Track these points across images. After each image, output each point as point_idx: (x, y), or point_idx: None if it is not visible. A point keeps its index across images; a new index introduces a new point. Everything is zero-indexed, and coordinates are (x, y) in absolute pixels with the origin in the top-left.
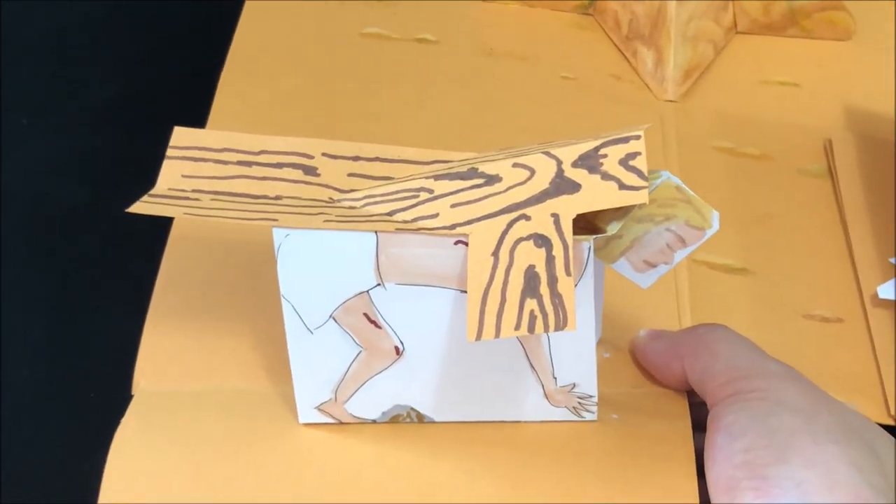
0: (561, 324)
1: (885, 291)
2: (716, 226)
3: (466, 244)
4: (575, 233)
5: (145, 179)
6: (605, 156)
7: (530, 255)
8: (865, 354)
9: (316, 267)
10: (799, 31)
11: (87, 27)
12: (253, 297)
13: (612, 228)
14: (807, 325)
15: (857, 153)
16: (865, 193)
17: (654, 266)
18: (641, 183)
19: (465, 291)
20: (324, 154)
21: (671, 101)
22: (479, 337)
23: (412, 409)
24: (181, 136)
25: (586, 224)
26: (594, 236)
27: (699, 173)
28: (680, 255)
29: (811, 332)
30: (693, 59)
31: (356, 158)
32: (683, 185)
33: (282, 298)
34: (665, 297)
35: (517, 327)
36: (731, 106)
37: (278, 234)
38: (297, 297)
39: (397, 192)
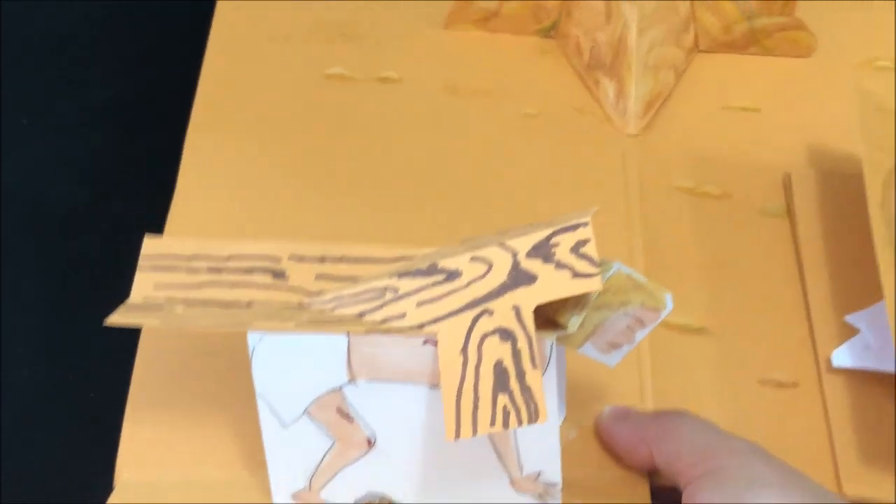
0: (533, 417)
1: (838, 359)
2: (670, 306)
3: (435, 343)
4: (538, 326)
5: (145, 179)
6: (556, 244)
7: (497, 349)
8: (819, 424)
9: (289, 367)
10: (760, 50)
11: (87, 27)
12: (229, 386)
13: (573, 325)
14: (763, 391)
15: (815, 191)
16: (823, 236)
17: (618, 347)
18: (593, 270)
19: (435, 387)
20: (291, 257)
21: (633, 135)
22: (457, 436)
23: (385, 495)
24: (151, 245)
25: (547, 316)
26: (556, 333)
27: (660, 217)
28: (641, 333)
29: (767, 399)
30: (654, 88)
31: (323, 259)
32: (634, 273)
33: (257, 396)
34: (627, 366)
35: (493, 424)
36: (693, 136)
37: (252, 338)
38: (272, 395)
39: (364, 291)
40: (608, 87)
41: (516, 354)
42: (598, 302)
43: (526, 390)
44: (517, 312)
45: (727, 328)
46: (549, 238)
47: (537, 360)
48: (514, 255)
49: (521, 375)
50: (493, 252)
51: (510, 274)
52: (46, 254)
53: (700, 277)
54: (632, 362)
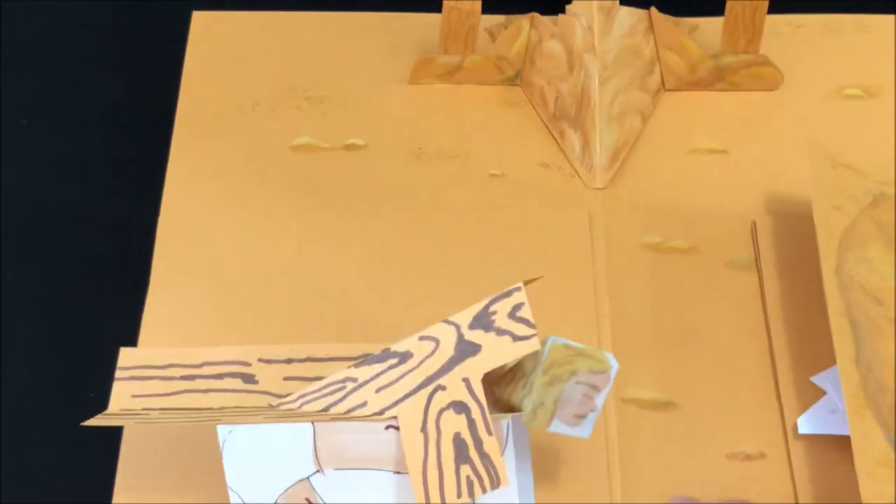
0: (495, 483)
1: (803, 426)
2: (615, 365)
3: (396, 427)
4: (494, 410)
5: (145, 179)
6: (494, 312)
7: (454, 423)
8: (787, 495)
9: (258, 459)
10: (727, 86)
11: (87, 27)
12: (207, 476)
13: (526, 406)
14: (731, 465)
15: (782, 238)
16: (790, 288)
17: (584, 416)
18: (531, 331)
19: (400, 472)
20: (260, 360)
21: (600, 188)
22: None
23: None
24: (128, 356)
25: (502, 400)
26: (511, 415)
27: (627, 280)
28: (600, 398)
29: (735, 474)
30: (620, 137)
31: (289, 361)
32: (571, 342)
33: (228, 489)
34: (595, 444)
35: (459, 495)
36: (661, 185)
37: (222, 431)
38: (243, 487)
39: (327, 385)
40: (574, 140)
41: (471, 424)
42: (548, 378)
43: (485, 457)
44: (467, 384)
45: (694, 401)
46: (487, 307)
47: (491, 427)
48: (458, 328)
49: (478, 444)
50: (438, 329)
51: (456, 347)
52: (46, 254)
53: (667, 345)
54: (599, 440)
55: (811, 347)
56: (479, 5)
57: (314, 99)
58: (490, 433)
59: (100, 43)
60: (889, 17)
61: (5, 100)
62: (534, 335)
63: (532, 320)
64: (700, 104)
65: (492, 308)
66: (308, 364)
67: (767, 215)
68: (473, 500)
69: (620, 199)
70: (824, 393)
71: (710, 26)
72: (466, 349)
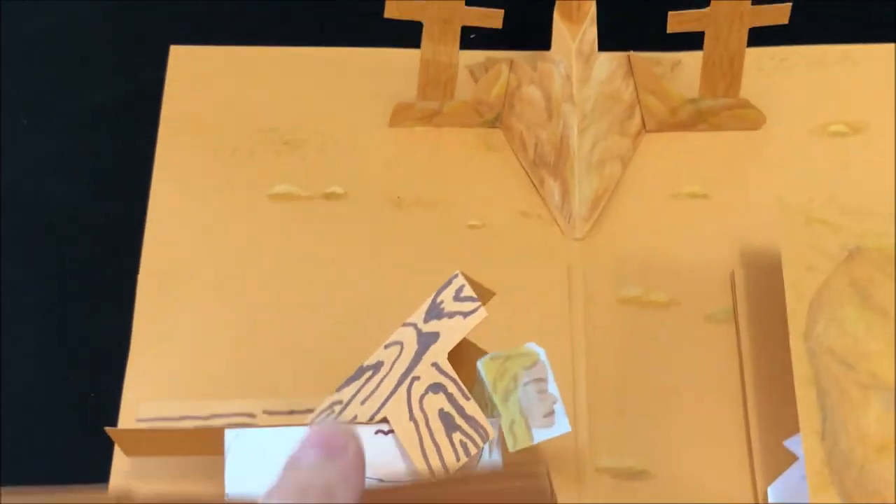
0: (484, 437)
1: (774, 494)
2: (540, 351)
3: (385, 433)
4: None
5: (145, 180)
6: (441, 301)
7: (435, 402)
8: None
9: (259, 463)
10: (708, 126)
11: (87, 27)
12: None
13: (505, 431)
14: None
15: (761, 289)
16: (767, 343)
17: (552, 412)
18: (476, 305)
19: (383, 481)
20: (264, 411)
21: (579, 238)
22: (433, 475)
23: None
24: (146, 409)
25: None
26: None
27: (605, 336)
28: (552, 386)
29: None
30: (600, 186)
31: (291, 412)
32: (493, 353)
33: (225, 494)
34: None
35: (458, 458)
36: (641, 234)
37: (229, 436)
38: (241, 494)
39: (318, 413)
40: (553, 188)
41: (450, 398)
42: (500, 394)
43: (470, 419)
44: (437, 367)
45: (668, 469)
46: (434, 300)
47: (468, 393)
48: (415, 326)
49: (461, 411)
50: (399, 333)
51: (418, 342)
52: (46, 254)
53: (644, 407)
54: None
55: (787, 408)
56: (456, 56)
57: (293, 143)
58: (468, 398)
59: (100, 43)
60: (875, 47)
61: (5, 100)
62: (479, 306)
63: (474, 296)
64: (681, 145)
65: (438, 299)
66: (309, 416)
67: (746, 266)
68: (470, 457)
69: (600, 249)
70: (797, 457)
71: (694, 61)
72: (428, 339)
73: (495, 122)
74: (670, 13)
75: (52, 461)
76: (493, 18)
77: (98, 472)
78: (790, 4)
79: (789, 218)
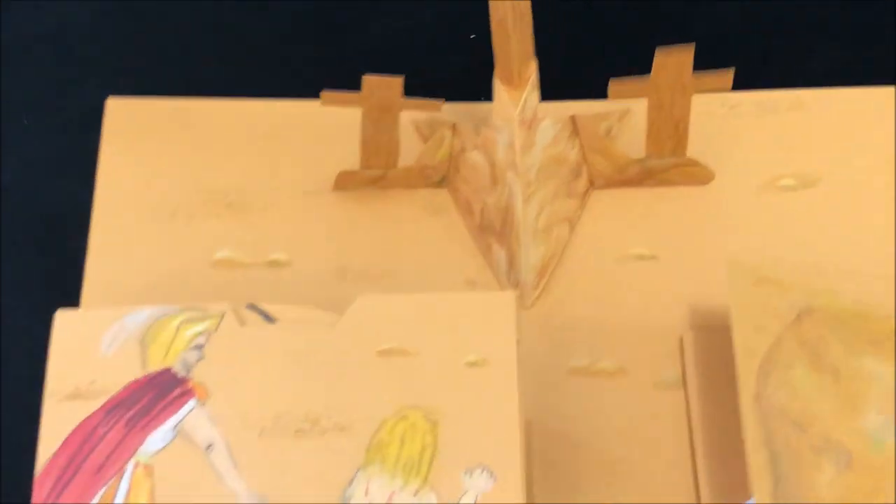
0: None
1: None
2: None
3: None
4: None
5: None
6: None
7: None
8: None
9: None
10: (657, 182)
11: (87, 27)
12: None
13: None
14: None
15: (710, 353)
16: (717, 408)
17: None
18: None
19: None
20: None
21: (527, 307)
22: None
23: None
24: None
25: None
26: None
27: (555, 411)
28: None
29: None
30: (547, 251)
31: None
32: None
33: None
34: None
35: None
36: (589, 300)
37: None
38: None
39: None
40: (500, 255)
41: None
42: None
43: None
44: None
45: None
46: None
47: None
48: None
49: None
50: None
51: None
52: (46, 253)
53: (593, 481)
54: None
55: (739, 473)
56: (398, 134)
57: (236, 205)
58: None
59: (100, 43)
60: (828, 92)
61: (5, 100)
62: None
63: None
64: (629, 202)
65: None
66: None
67: (696, 329)
68: None
69: (548, 318)
70: None
71: (644, 109)
72: None
73: (442, 182)
74: (611, 81)
75: None
76: (432, 106)
77: None
78: (732, 70)
79: (738, 278)
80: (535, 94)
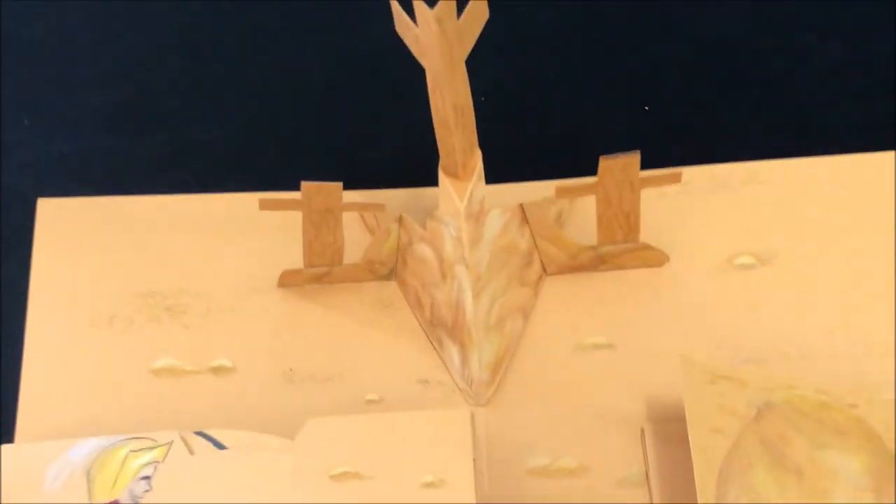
0: None
1: None
2: None
3: None
4: None
5: (145, 180)
6: None
7: None
8: None
9: None
10: (611, 267)
11: (87, 28)
12: None
13: None
14: None
15: (672, 448)
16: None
17: None
18: None
19: None
20: None
21: (482, 405)
22: None
23: None
24: None
25: None
26: None
27: None
28: None
29: None
30: (501, 346)
31: None
32: None
33: None
34: None
35: None
36: (546, 395)
37: None
38: None
39: None
40: (452, 352)
41: None
42: None
43: None
44: None
45: None
46: None
47: None
48: None
49: None
50: None
51: None
52: None
53: None
54: None
55: None
56: (341, 234)
57: (175, 309)
58: None
59: (101, 43)
60: (782, 163)
61: (5, 100)
62: None
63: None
64: (583, 288)
65: None
66: None
67: (656, 421)
68: None
69: (504, 415)
70: None
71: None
72: None
73: (390, 275)
74: (557, 185)
75: None
76: (375, 207)
77: None
78: (682, 170)
79: (692, 378)
80: (481, 185)
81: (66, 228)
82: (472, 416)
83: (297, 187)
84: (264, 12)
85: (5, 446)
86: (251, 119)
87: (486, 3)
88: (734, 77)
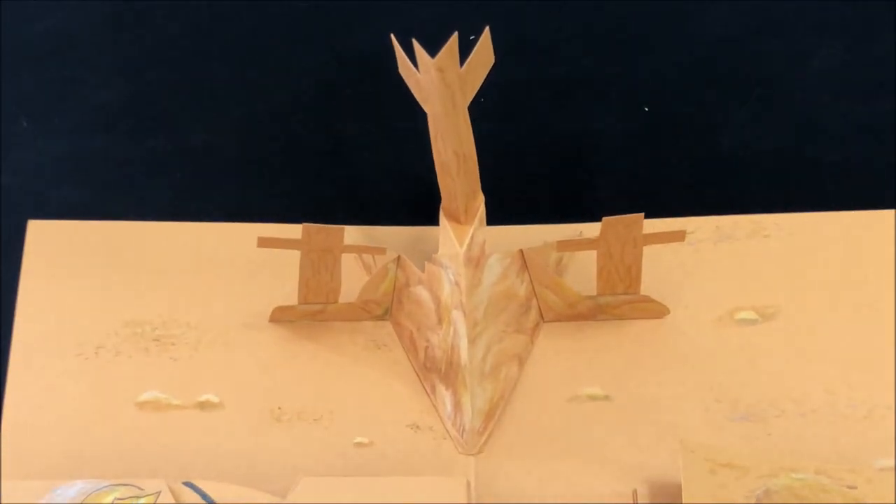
0: None
1: None
2: None
3: None
4: None
5: (145, 180)
6: None
7: None
8: None
9: None
10: (609, 317)
11: (87, 27)
12: None
13: None
14: None
15: None
16: None
17: None
18: None
19: None
20: None
21: (473, 454)
22: None
23: None
24: None
25: None
26: None
27: None
28: None
29: None
30: (495, 394)
31: None
32: None
33: None
34: None
35: None
36: (539, 447)
37: None
38: None
39: None
40: (445, 397)
41: None
42: None
43: None
44: None
45: None
46: None
47: None
48: None
49: None
50: None
51: None
52: None
53: None
54: None
55: None
56: (339, 274)
57: (163, 340)
58: None
59: (100, 45)
60: (788, 217)
61: (5, 100)
62: None
63: None
64: (581, 337)
65: None
66: None
67: (650, 482)
68: None
69: (495, 465)
70: None
71: (595, 231)
72: None
73: (385, 315)
74: (558, 242)
75: None
76: (376, 251)
77: None
78: (685, 229)
79: (692, 467)
80: (483, 229)
81: (56, 252)
82: (469, 485)
83: (295, 188)
84: (263, 16)
85: None
86: (249, 123)
87: (491, 49)
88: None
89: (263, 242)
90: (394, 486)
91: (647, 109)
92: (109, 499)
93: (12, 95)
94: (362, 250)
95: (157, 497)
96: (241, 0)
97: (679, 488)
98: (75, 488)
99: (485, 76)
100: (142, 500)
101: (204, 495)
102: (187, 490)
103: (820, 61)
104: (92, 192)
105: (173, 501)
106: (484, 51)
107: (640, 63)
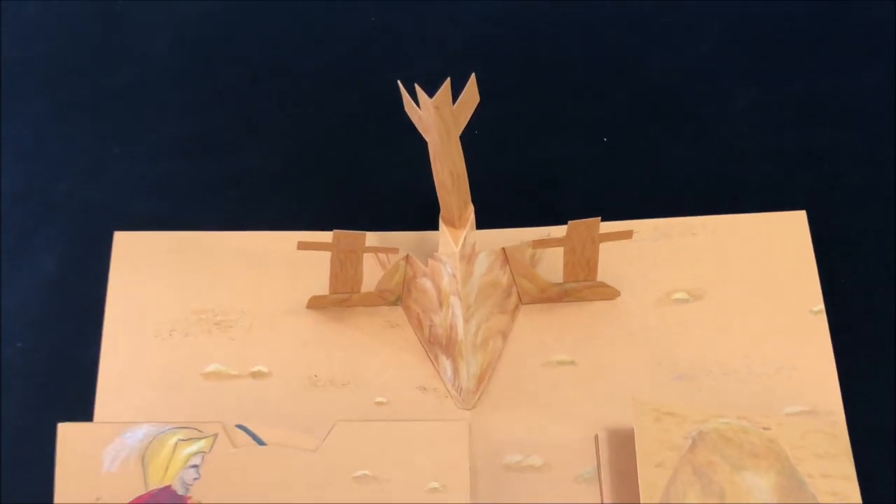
0: None
1: None
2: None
3: None
4: None
5: (146, 180)
6: None
7: None
8: None
9: None
10: (573, 299)
11: (166, 76)
12: None
13: None
14: None
15: (620, 452)
16: (628, 499)
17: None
18: None
19: None
20: None
21: (468, 408)
22: None
23: None
24: None
25: None
26: None
27: (491, 500)
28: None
29: None
30: (485, 360)
31: None
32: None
33: None
34: None
35: None
36: (520, 402)
37: None
38: None
39: None
40: (446, 365)
41: None
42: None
43: None
44: None
45: None
46: None
47: None
48: None
49: None
50: None
51: None
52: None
53: None
54: None
55: None
56: (361, 270)
57: (224, 324)
58: None
59: (174, 87)
60: (711, 219)
61: (103, 132)
62: None
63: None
64: (551, 316)
65: None
66: None
67: (608, 429)
68: None
69: (486, 418)
70: None
71: (562, 232)
72: None
73: (397, 301)
74: (533, 241)
75: (52, 462)
76: (391, 250)
77: None
78: (632, 229)
79: (641, 416)
80: (473, 232)
81: (137, 257)
82: (469, 428)
83: (327, 203)
84: (303, 66)
85: (62, 425)
86: (292, 151)
87: (476, 91)
88: (673, 116)
89: (302, 246)
90: (411, 428)
91: (605, 140)
92: (173, 440)
93: (108, 129)
94: (379, 250)
95: (215, 440)
96: (286, 53)
97: (632, 433)
98: (142, 430)
99: (472, 112)
100: (202, 442)
101: (254, 436)
102: (240, 432)
103: (740, 100)
104: (169, 206)
105: (229, 444)
106: (471, 93)
107: (599, 104)
